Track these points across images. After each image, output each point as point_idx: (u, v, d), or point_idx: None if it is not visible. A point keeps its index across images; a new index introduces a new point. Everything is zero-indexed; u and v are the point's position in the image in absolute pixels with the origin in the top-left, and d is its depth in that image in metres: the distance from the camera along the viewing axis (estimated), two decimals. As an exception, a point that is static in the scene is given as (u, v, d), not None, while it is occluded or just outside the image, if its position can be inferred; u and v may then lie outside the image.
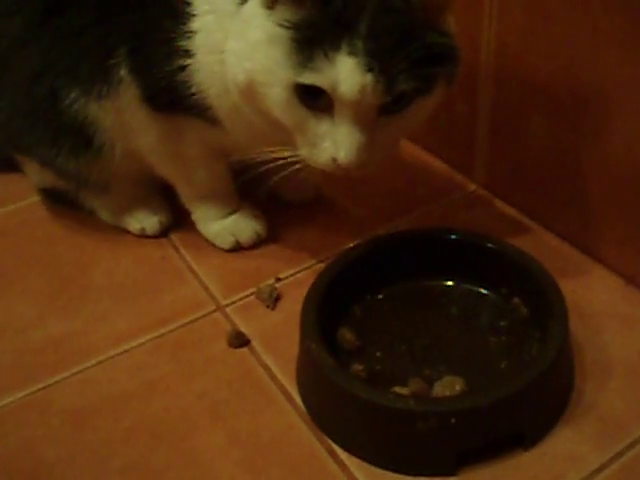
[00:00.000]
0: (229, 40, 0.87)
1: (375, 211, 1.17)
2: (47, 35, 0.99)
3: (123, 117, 1.00)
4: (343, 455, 0.82)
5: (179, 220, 1.18)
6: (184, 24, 0.91)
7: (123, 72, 0.96)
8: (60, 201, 1.21)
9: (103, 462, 0.84)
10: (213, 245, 1.13)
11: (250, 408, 0.89)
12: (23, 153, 1.16)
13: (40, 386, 0.94)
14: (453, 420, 0.76)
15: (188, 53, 0.91)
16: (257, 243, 1.13)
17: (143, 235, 1.17)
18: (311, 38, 0.80)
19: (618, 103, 0.93)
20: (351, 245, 1.02)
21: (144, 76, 0.96)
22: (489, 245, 0.97)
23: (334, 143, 0.84)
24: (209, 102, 0.95)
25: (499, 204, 1.17)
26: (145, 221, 1.17)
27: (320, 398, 0.86)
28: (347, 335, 0.92)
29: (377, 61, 0.79)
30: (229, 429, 0.86)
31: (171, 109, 0.97)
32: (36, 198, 1.27)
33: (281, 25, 0.81)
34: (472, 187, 1.22)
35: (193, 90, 0.93)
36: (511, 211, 1.15)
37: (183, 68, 0.92)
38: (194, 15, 0.91)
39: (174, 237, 1.17)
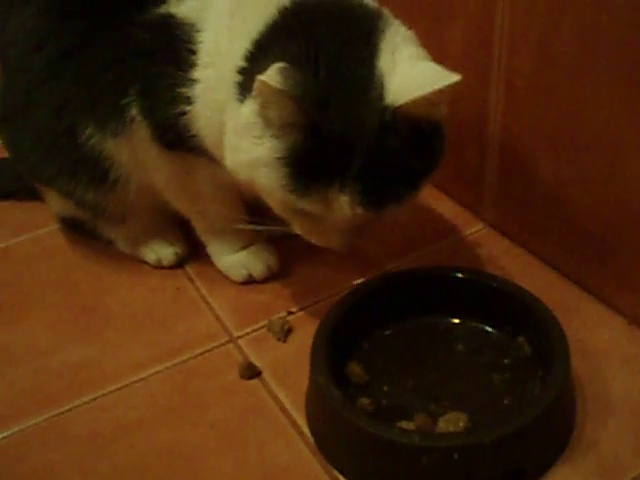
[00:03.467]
0: (228, 128, 0.91)
1: (384, 247, 1.19)
2: (67, 73, 1.02)
3: (137, 153, 1.03)
4: (351, 488, 0.84)
5: (195, 251, 1.20)
6: (186, 72, 0.94)
7: (134, 111, 0.99)
8: (79, 230, 1.24)
9: (118, 488, 0.86)
10: (227, 277, 1.15)
11: (259, 438, 0.90)
12: (44, 183, 1.18)
13: (57, 412, 0.96)
14: (456, 456, 0.77)
15: (189, 100, 0.94)
16: (269, 277, 1.15)
17: (159, 266, 1.19)
18: (306, 171, 0.85)
19: (619, 150, 0.95)
20: (361, 280, 1.04)
21: (151, 116, 0.98)
22: (494, 284, 0.99)
23: (327, 240, 0.93)
24: (207, 145, 0.98)
25: (506, 243, 1.19)
26: (161, 252, 1.19)
27: (328, 431, 0.88)
28: (355, 369, 0.94)
29: (368, 197, 0.85)
30: (238, 459, 0.88)
31: (179, 147, 1.00)
32: (56, 226, 1.29)
33: (278, 157, 0.85)
34: (480, 225, 1.23)
35: (193, 133, 0.96)
36: (518, 250, 1.17)
37: (184, 113, 0.95)
38: (197, 64, 0.94)
39: (189, 268, 1.19)
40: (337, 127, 0.82)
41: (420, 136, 0.86)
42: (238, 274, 1.14)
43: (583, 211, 1.04)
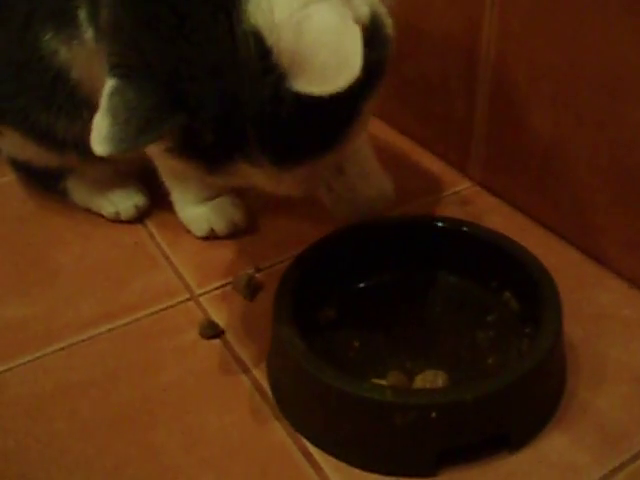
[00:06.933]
0: None
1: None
2: None
3: (93, 69, 0.93)
4: (318, 456, 0.77)
5: (156, 205, 1.14)
6: None
7: (83, 14, 0.89)
8: (32, 176, 1.17)
9: (57, 456, 0.79)
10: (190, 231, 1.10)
11: (219, 403, 0.84)
12: (8, 120, 1.07)
13: (-8, 372, 0.90)
14: (434, 414, 0.71)
15: None
16: (234, 233, 1.08)
17: (117, 219, 1.13)
18: (202, 155, 0.72)
19: (628, 92, 0.88)
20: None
21: (92, 20, 0.88)
22: (478, 234, 0.92)
23: (283, 189, 0.77)
24: None
25: (494, 201, 1.13)
26: (120, 205, 1.13)
27: (291, 389, 0.81)
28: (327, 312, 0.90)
29: (283, 162, 0.71)
30: (195, 425, 0.81)
31: None
32: (8, 178, 1.23)
33: (165, 149, 0.73)
34: (467, 183, 1.17)
35: None
36: (507, 208, 1.11)
37: None
38: None
39: (149, 222, 1.14)
40: (208, 111, 0.68)
41: None
42: (199, 228, 1.08)
43: (580, 167, 0.98)
